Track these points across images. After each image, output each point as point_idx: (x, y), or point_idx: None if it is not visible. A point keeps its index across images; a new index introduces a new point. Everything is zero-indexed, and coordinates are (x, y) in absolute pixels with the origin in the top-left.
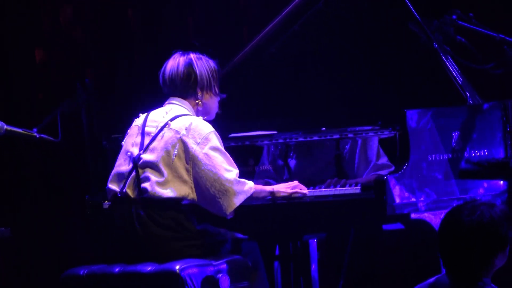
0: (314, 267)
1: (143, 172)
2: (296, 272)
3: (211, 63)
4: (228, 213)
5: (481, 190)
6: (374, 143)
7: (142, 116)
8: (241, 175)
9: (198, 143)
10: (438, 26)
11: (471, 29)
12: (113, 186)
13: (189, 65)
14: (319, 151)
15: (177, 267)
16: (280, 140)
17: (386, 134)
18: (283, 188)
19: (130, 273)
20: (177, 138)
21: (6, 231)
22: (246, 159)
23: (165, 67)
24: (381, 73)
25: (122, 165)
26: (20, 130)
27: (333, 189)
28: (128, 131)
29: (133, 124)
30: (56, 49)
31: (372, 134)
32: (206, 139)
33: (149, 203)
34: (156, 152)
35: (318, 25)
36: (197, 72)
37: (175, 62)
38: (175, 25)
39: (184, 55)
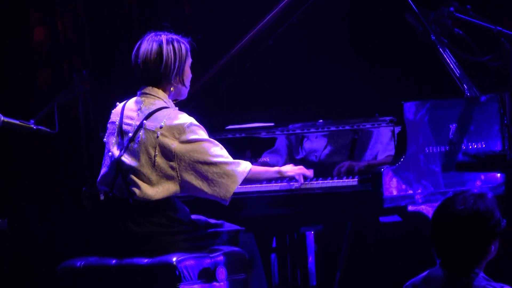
0: (311, 259)
1: (128, 176)
2: (293, 264)
3: (182, 46)
4: (227, 199)
5: (478, 183)
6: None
7: (119, 108)
8: None
9: (177, 138)
10: (436, 18)
11: (469, 21)
12: (103, 186)
13: (160, 50)
14: (316, 143)
15: (174, 259)
16: (277, 132)
17: (383, 126)
18: (290, 167)
19: (126, 265)
20: (155, 139)
21: (3, 222)
22: (243, 151)
23: (138, 49)
24: (378, 65)
25: (106, 166)
26: (17, 122)
27: (330, 181)
28: (108, 125)
29: (111, 117)
30: (52, 40)
31: (369, 126)
32: (185, 131)
33: (139, 204)
34: (136, 156)
35: (316, 17)
36: (167, 57)
37: (148, 46)
38: (173, 15)
39: (157, 36)
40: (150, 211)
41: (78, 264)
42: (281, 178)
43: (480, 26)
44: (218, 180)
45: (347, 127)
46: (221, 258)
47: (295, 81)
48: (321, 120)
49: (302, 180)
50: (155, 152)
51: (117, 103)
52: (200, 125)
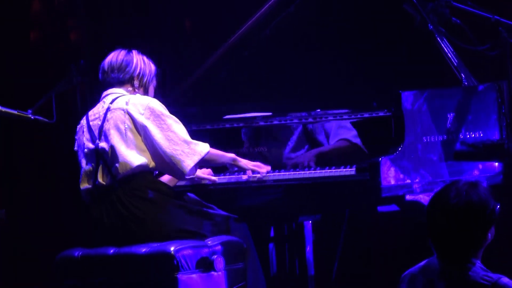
0: (309, 248)
1: (107, 157)
2: (291, 253)
3: (151, 64)
4: (185, 173)
5: (476, 172)
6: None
7: (84, 118)
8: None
9: (142, 114)
10: (433, 8)
11: (466, 10)
12: (86, 185)
13: (129, 55)
14: (314, 133)
15: (172, 248)
16: (275, 122)
17: (381, 115)
18: (245, 161)
19: (124, 254)
20: (122, 114)
21: (1, 213)
22: (240, 141)
23: (105, 58)
24: (376, 54)
25: (85, 163)
26: (14, 112)
27: (328, 170)
28: (76, 136)
29: (78, 128)
30: (50, 30)
31: (367, 115)
32: (148, 107)
33: (123, 182)
34: (110, 136)
35: (313, 6)
36: (135, 62)
37: (116, 53)
38: (169, 5)
39: (125, 49)
40: (135, 186)
41: (76, 254)
42: (235, 165)
43: (478, 15)
44: (177, 159)
45: (345, 117)
46: (219, 247)
47: (293, 71)
48: (319, 110)
49: (250, 174)
50: (125, 125)
51: (81, 120)
52: (160, 103)
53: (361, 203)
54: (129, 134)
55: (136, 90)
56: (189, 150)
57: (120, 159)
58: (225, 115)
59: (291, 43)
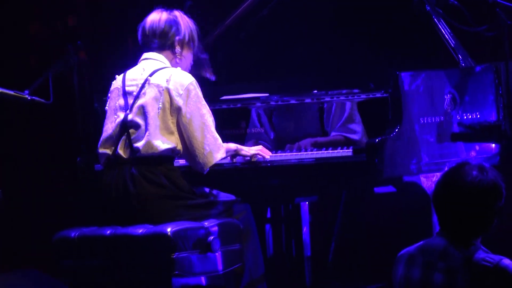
0: (305, 230)
1: (133, 132)
2: (288, 235)
3: (193, 24)
4: (204, 170)
5: (473, 153)
6: (348, 106)
7: (120, 78)
8: (232, 137)
9: (180, 95)
10: None
11: None
12: (105, 150)
13: (173, 18)
14: (311, 114)
15: (169, 229)
16: (272, 103)
17: (379, 96)
18: (247, 148)
19: (121, 235)
20: (160, 92)
21: None
22: (238, 121)
23: (146, 18)
24: (373, 35)
25: (111, 129)
26: (11, 92)
27: (325, 151)
28: (109, 94)
29: (112, 87)
30: (48, 11)
31: (364, 96)
32: (188, 89)
33: (142, 161)
34: (141, 110)
35: None
36: (180, 25)
37: (158, 15)
38: None
39: (167, 11)
40: (150, 169)
41: (73, 234)
42: (238, 155)
43: None
44: (201, 154)
45: (341, 97)
46: (215, 228)
47: (290, 52)
48: (315, 91)
49: (260, 156)
50: (159, 104)
51: (116, 75)
52: (199, 86)
53: (357, 185)
54: (161, 114)
55: (178, 56)
56: (215, 147)
57: (146, 139)
58: (222, 96)
59: (288, 24)
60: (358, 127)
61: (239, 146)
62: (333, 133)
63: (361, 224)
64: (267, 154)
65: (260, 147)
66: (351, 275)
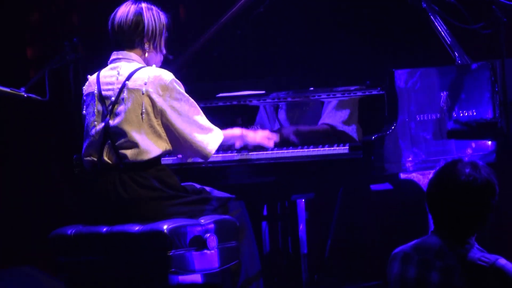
0: (302, 227)
1: (117, 139)
2: (284, 232)
3: (162, 16)
4: (208, 159)
5: (469, 151)
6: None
7: (93, 80)
8: None
9: (161, 95)
10: None
11: None
12: (90, 157)
13: (139, 14)
14: (307, 111)
15: (165, 227)
16: (268, 100)
17: (375, 93)
18: (252, 135)
19: (117, 233)
20: (140, 96)
21: None
22: (234, 119)
23: (115, 13)
24: (369, 33)
25: (93, 135)
26: (7, 90)
27: (321, 148)
28: (84, 98)
29: (86, 90)
30: (44, 8)
31: (360, 94)
32: (168, 88)
33: (130, 167)
34: (123, 116)
35: None
36: (145, 21)
37: (126, 10)
38: None
39: (135, 3)
40: (140, 174)
41: (69, 232)
42: (243, 142)
43: None
44: (198, 146)
45: (338, 95)
46: (212, 225)
47: (286, 49)
48: (312, 88)
49: (271, 145)
50: (142, 109)
51: (88, 76)
52: (179, 82)
53: (354, 182)
54: (146, 118)
55: (147, 53)
56: (209, 136)
57: (133, 146)
58: (218, 93)
59: (284, 22)
60: (344, 116)
61: (245, 131)
62: (320, 121)
63: (358, 221)
64: (272, 141)
65: (266, 132)
66: (347, 272)
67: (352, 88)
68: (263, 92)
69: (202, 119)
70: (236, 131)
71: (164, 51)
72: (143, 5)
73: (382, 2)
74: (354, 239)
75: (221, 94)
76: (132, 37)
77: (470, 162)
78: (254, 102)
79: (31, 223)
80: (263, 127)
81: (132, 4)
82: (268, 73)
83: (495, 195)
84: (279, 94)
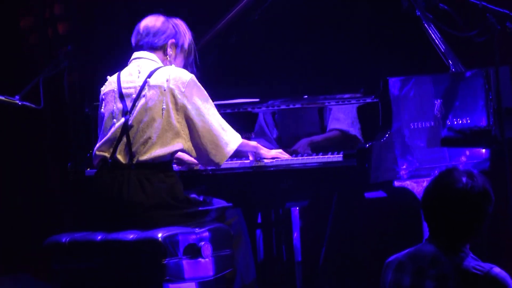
0: (296, 235)
1: (134, 135)
2: (278, 239)
3: (190, 35)
4: (221, 164)
5: (463, 158)
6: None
7: (113, 79)
8: None
9: (183, 92)
10: None
11: None
12: (102, 153)
13: (169, 20)
14: (301, 119)
15: (160, 235)
16: (263, 108)
17: (369, 101)
18: (265, 150)
19: (112, 240)
20: (162, 92)
21: None
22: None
23: (144, 18)
24: (363, 40)
25: (110, 132)
26: (2, 98)
27: (315, 156)
28: (103, 96)
29: (105, 89)
30: (38, 17)
31: (355, 101)
32: (189, 86)
33: (141, 166)
34: (144, 115)
35: None
36: (175, 28)
37: (156, 17)
38: None
39: (164, 16)
40: (148, 177)
41: (64, 239)
42: (257, 155)
43: (465, 1)
44: (215, 148)
45: (332, 102)
46: (206, 234)
47: (280, 57)
48: (306, 96)
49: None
50: (162, 105)
51: (108, 76)
52: (199, 82)
53: (348, 190)
54: (166, 115)
55: (169, 59)
56: (229, 136)
57: (148, 144)
58: (213, 101)
59: (279, 29)
60: (349, 119)
61: (260, 146)
62: (328, 129)
63: (352, 229)
64: (287, 155)
65: (280, 150)
66: (341, 280)
67: (347, 95)
68: (257, 100)
69: (221, 119)
70: (252, 143)
71: (182, 66)
72: (178, 20)
73: (376, 10)
74: (348, 246)
75: (215, 102)
76: (156, 38)
77: (466, 171)
78: (249, 109)
79: (26, 231)
80: (257, 135)
81: (161, 15)
82: (262, 80)
83: (491, 203)
84: (273, 102)
